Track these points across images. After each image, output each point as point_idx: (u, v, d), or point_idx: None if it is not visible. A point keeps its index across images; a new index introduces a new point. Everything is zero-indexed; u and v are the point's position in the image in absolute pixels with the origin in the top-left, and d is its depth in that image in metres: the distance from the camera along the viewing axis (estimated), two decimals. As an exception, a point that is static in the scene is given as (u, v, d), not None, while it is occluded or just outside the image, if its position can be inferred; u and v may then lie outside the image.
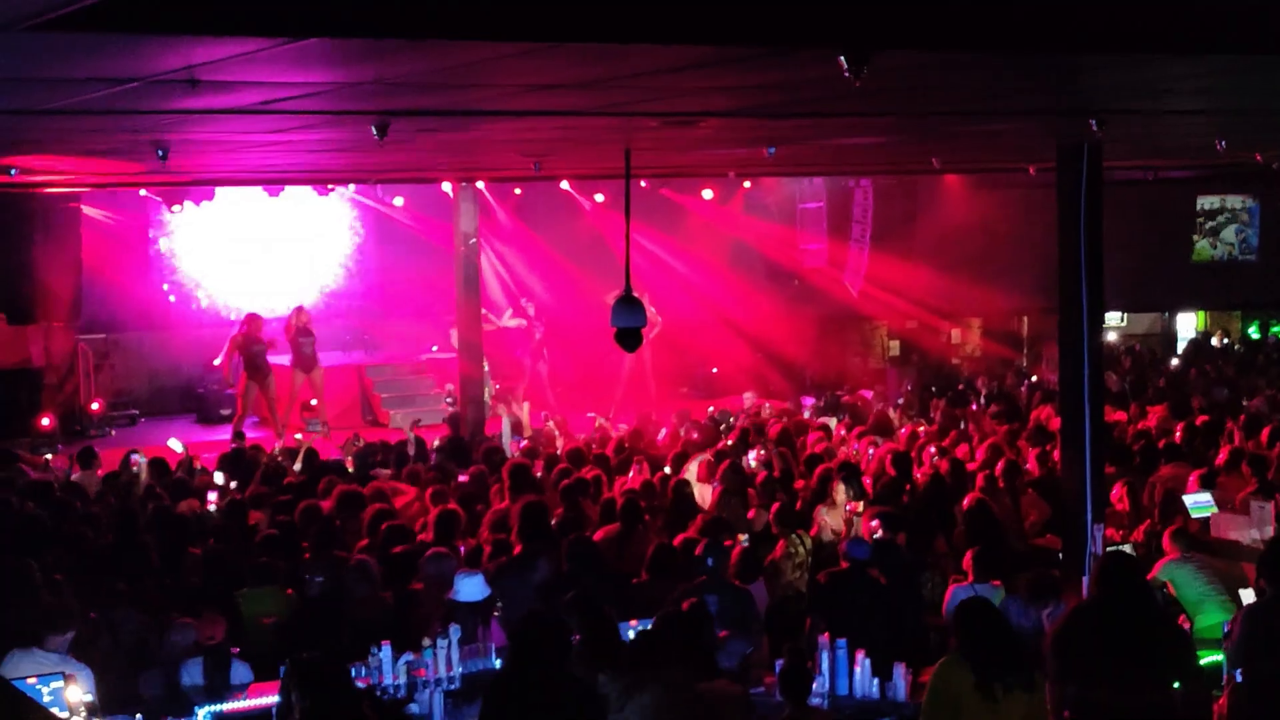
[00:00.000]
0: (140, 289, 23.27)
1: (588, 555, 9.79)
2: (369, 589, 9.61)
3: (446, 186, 18.84)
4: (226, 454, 15.25)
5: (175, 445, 15.80)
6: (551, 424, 17.44)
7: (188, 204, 20.70)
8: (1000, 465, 13.01)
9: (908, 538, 10.69)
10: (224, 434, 18.21)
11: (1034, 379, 21.53)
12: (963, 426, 16.39)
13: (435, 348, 23.65)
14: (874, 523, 10.81)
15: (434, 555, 9.80)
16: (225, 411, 22.50)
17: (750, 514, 11.90)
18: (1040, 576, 9.55)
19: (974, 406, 18.54)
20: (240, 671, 8.43)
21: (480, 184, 19.15)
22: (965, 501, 11.71)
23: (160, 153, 10.34)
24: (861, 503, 11.71)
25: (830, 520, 11.65)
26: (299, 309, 20.75)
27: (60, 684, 7.61)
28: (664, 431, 16.64)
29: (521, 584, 9.49)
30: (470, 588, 8.89)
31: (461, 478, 13.55)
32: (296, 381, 20.34)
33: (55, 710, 7.26)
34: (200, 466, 14.90)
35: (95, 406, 21.27)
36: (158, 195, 20.06)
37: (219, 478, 14.01)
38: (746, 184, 23.21)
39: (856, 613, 9.01)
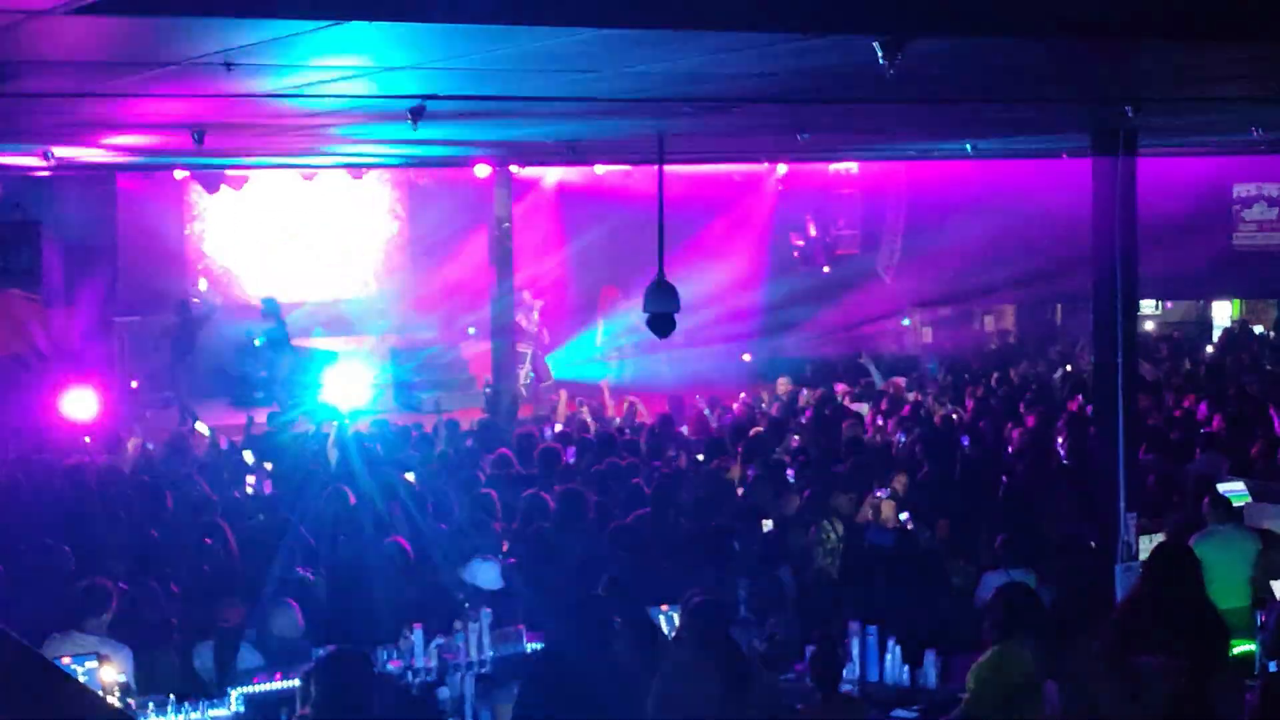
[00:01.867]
0: (175, 272, 23.39)
1: (622, 541, 9.81)
2: (400, 570, 9.64)
3: (481, 173, 18.87)
4: (257, 436, 15.32)
5: (202, 429, 15.87)
6: (585, 410, 17.46)
7: (223, 189, 20.80)
8: (1034, 453, 12.97)
9: (939, 524, 10.67)
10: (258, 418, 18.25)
11: (1068, 367, 21.43)
12: (995, 413, 16.33)
13: (472, 329, 23.71)
14: (904, 514, 10.79)
15: (452, 538, 9.84)
16: (259, 394, 22.62)
17: (781, 499, 11.89)
18: (1072, 565, 9.52)
19: (1006, 393, 18.46)
20: (249, 657, 8.38)
21: (515, 169, 19.19)
22: (999, 488, 11.68)
23: (196, 134, 10.39)
24: (890, 489, 11.69)
25: (864, 508, 11.63)
26: None
27: (95, 664, 7.67)
28: (709, 416, 16.64)
29: (554, 570, 9.53)
30: (486, 574, 8.92)
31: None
32: None
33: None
34: (225, 448, 14.92)
35: (134, 384, 21.37)
36: (193, 179, 20.17)
37: (249, 457, 14.05)
38: (783, 168, 23.13)
39: (891, 601, 9.00)
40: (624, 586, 7.91)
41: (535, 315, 22.72)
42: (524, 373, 21.49)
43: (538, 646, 8.52)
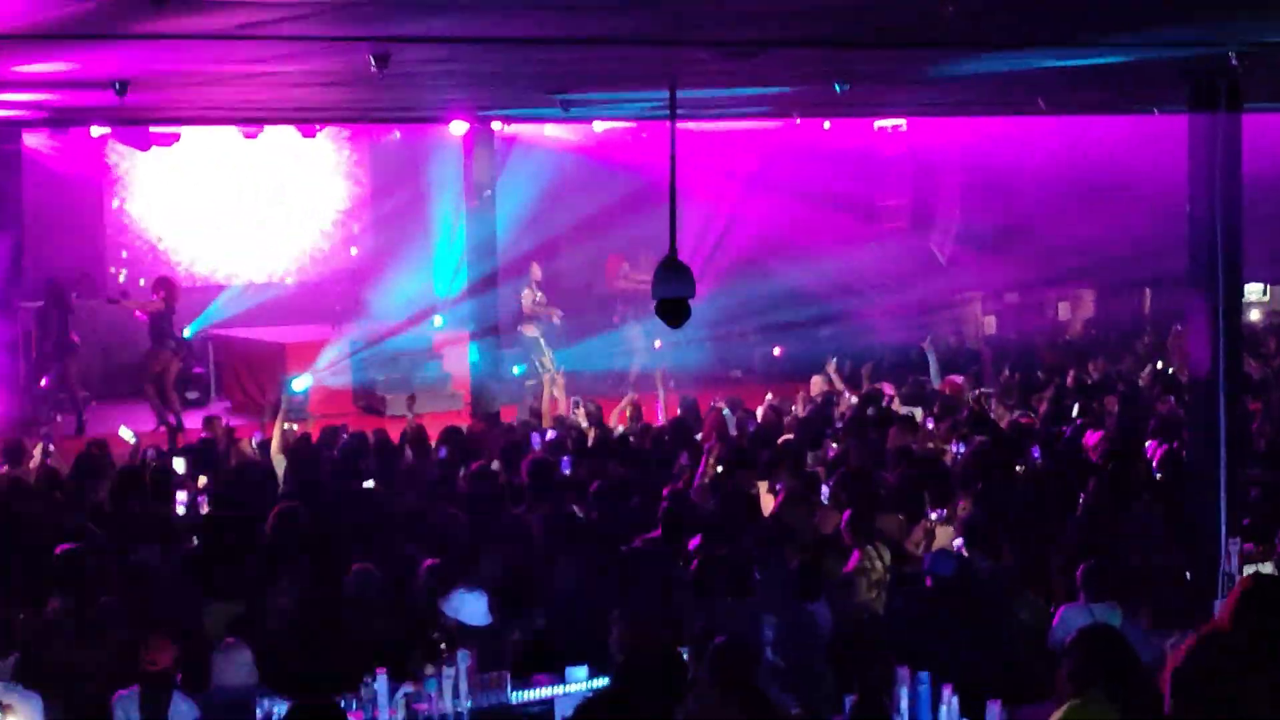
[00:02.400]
0: (91, 249, 23.45)
1: (632, 568, 9.85)
2: (369, 603, 9.67)
3: (456, 129, 18.89)
4: (194, 445, 15.34)
5: (126, 435, 15.88)
6: (581, 411, 17.46)
7: (151, 149, 20.84)
8: (1117, 466, 12.97)
9: (1006, 551, 10.68)
10: (191, 421, 18.31)
11: (1159, 364, 21.43)
12: (1070, 419, 16.34)
13: (440, 319, 23.75)
14: (957, 540, 10.80)
15: (432, 568, 9.87)
16: (192, 395, 22.67)
17: (816, 519, 11.90)
18: (1165, 599, 9.53)
19: (1084, 395, 18.46)
20: (183, 710, 8.37)
21: (497, 126, 19.21)
22: (1076, 508, 11.68)
23: (117, 86, 10.42)
24: (946, 510, 11.69)
25: (913, 531, 11.65)
26: None
27: (-1, 714, 7.70)
28: (729, 419, 16.64)
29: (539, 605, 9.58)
30: (472, 609, 8.94)
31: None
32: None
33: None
34: (153, 458, 14.93)
35: (43, 384, 21.43)
36: (114, 138, 20.19)
37: (179, 464, 14.05)
38: (826, 124, 23.06)
39: (944, 640, 9.01)
40: (638, 621, 7.96)
41: (540, 295, 22.77)
42: (547, 363, 21.58)
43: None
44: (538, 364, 21.77)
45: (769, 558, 9.89)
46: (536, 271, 23.07)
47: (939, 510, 11.67)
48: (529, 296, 22.80)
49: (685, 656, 8.24)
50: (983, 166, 25.53)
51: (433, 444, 15.50)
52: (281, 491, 13.01)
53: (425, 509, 12.14)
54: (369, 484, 13.40)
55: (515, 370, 22.39)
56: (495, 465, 13.81)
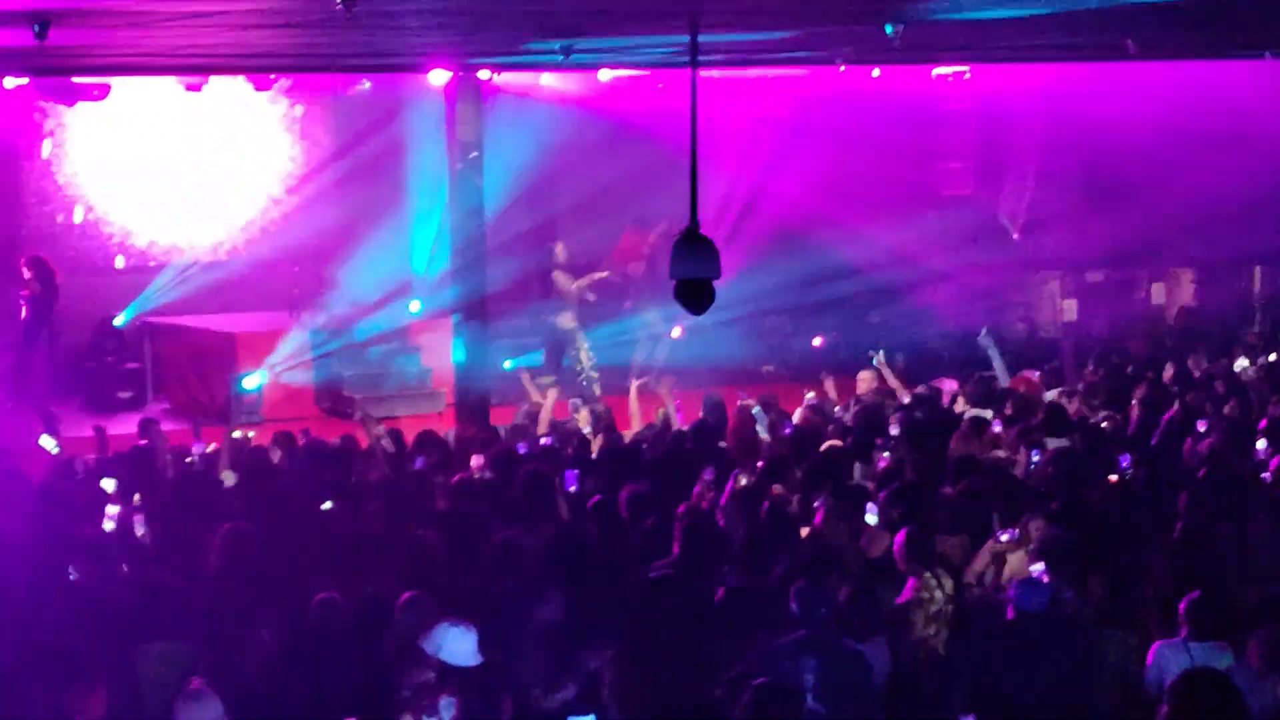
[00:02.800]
0: (6, 220, 23.49)
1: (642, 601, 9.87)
2: (337, 641, 9.67)
3: (438, 80, 18.88)
4: (126, 455, 15.34)
5: (49, 445, 15.91)
6: (583, 414, 17.44)
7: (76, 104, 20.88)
8: (1222, 478, 12.94)
9: (1089, 580, 10.67)
10: (124, 425, 18.31)
11: (1271, 356, 21.40)
12: (1167, 422, 16.31)
13: (417, 304, 23.76)
14: (1036, 566, 10.78)
15: (411, 601, 9.88)
16: (125, 394, 22.71)
17: (863, 542, 11.89)
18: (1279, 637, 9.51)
19: (1183, 393, 18.43)
20: None
21: (484, 75, 19.21)
22: (1173, 527, 11.66)
23: (37, 27, 10.42)
24: (1018, 530, 11.66)
25: (982, 556, 11.63)
26: None
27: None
28: (760, 423, 16.62)
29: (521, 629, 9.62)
30: (458, 646, 8.94)
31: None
32: None
33: None
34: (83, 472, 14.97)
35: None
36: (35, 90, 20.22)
37: (109, 485, 14.07)
38: (876, 72, 22.99)
39: (1018, 684, 9.01)
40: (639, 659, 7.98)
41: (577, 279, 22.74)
42: (585, 356, 21.63)
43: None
44: (575, 362, 21.78)
45: (809, 587, 9.87)
46: (561, 252, 22.99)
47: (1010, 530, 11.63)
48: (565, 281, 22.72)
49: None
50: (1061, 121, 25.47)
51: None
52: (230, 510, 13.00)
53: (398, 530, 12.15)
54: (327, 505, 13.37)
55: (506, 364, 22.39)
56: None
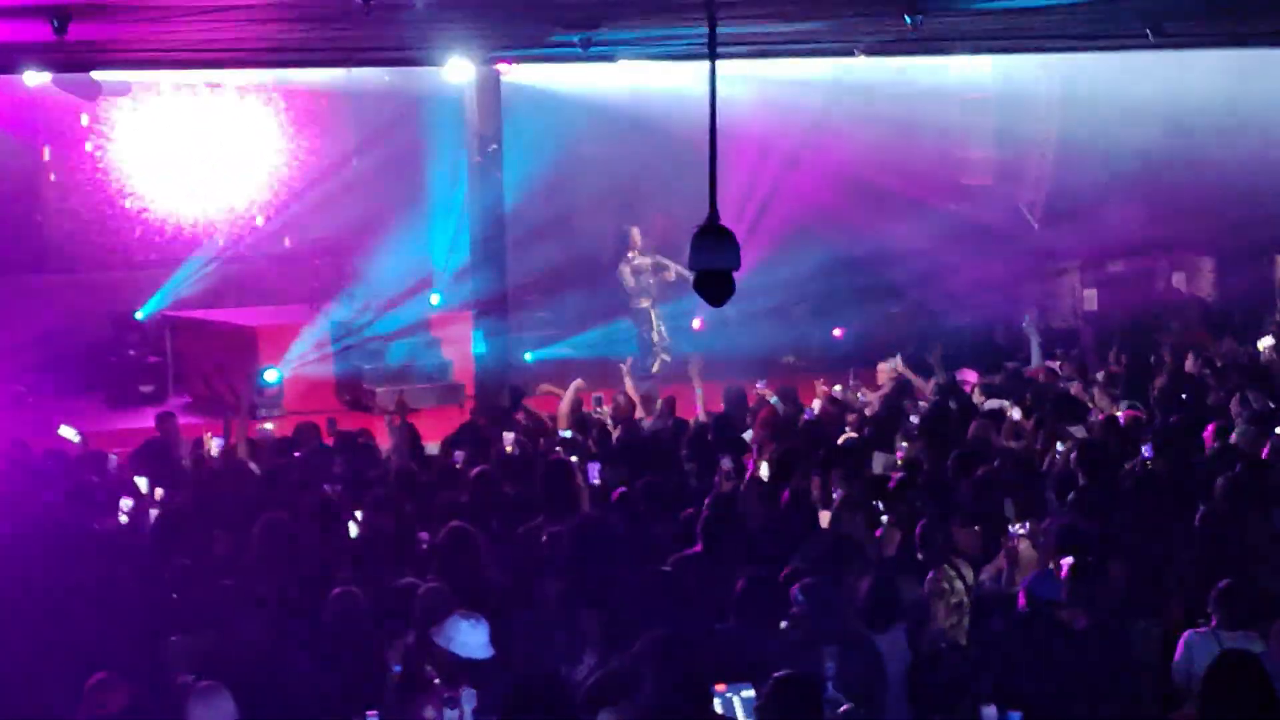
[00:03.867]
0: (24, 215, 23.52)
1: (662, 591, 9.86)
2: (355, 634, 9.67)
3: (455, 74, 18.87)
4: (141, 448, 15.36)
5: (70, 434, 15.94)
6: (605, 408, 17.44)
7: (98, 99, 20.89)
8: (1246, 467, 12.90)
9: (1111, 568, 10.62)
10: (146, 420, 18.32)
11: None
12: (1190, 411, 16.27)
13: (437, 297, 23.77)
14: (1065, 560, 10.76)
15: (434, 591, 9.87)
16: (146, 389, 22.73)
17: (880, 533, 11.88)
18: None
19: (1205, 383, 18.39)
20: None
21: (503, 68, 19.20)
22: (1197, 519, 11.62)
23: (56, 22, 10.42)
24: (1033, 522, 11.62)
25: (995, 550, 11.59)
26: None
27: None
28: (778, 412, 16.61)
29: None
30: (471, 639, 8.93)
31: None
32: None
33: None
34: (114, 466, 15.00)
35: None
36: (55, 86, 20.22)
37: (143, 483, 14.09)
38: (895, 62, 22.87)
39: (1040, 676, 8.98)
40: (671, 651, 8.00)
41: (650, 258, 22.63)
42: (659, 334, 21.63)
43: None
44: (650, 340, 21.74)
45: (815, 583, 9.85)
46: (637, 235, 22.88)
47: (1021, 525, 11.56)
48: (645, 262, 22.63)
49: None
50: (1082, 112, 25.41)
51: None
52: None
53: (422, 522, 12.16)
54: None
55: (526, 356, 22.40)
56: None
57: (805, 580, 9.75)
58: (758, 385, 18.17)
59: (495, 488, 13.17)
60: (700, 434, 15.35)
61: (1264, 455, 14.03)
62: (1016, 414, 16.44)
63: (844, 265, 25.08)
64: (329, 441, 15.60)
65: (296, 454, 15.03)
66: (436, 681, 8.89)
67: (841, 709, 8.60)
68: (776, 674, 7.93)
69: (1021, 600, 9.62)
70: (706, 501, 12.11)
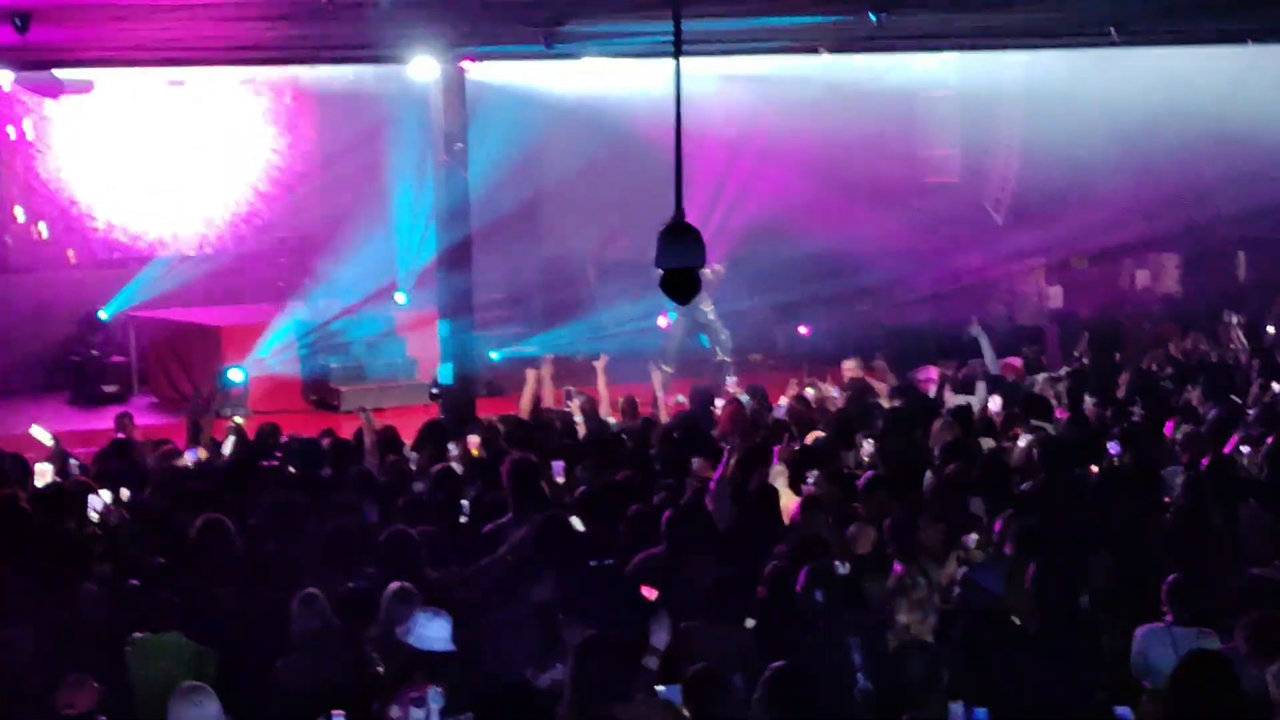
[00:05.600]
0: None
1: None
2: (318, 634, 9.66)
3: (420, 71, 18.84)
4: (106, 450, 15.30)
5: (41, 435, 15.88)
6: (577, 402, 17.42)
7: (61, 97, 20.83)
8: (1211, 463, 12.95)
9: (1063, 561, 10.62)
10: (108, 420, 18.27)
11: (1253, 342, 21.39)
12: (1155, 408, 16.33)
13: (403, 296, 23.74)
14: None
15: (401, 591, 9.86)
16: (110, 388, 22.66)
17: (850, 531, 11.88)
18: (1266, 621, 9.50)
19: (1169, 379, 18.47)
20: None
21: (468, 66, 19.17)
22: (1168, 513, 11.67)
23: (18, 21, 10.39)
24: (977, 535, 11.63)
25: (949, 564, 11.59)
26: None
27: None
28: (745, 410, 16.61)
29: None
30: (432, 633, 8.93)
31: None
32: None
33: None
34: (77, 464, 14.95)
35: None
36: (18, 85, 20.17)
37: (104, 495, 14.00)
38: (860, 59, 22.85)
39: (1000, 670, 9.00)
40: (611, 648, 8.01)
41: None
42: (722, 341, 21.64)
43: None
44: (714, 347, 21.74)
45: (818, 574, 9.89)
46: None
47: (969, 536, 11.57)
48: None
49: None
50: (1046, 109, 25.47)
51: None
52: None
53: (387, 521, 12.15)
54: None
55: (492, 355, 22.39)
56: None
57: (820, 572, 9.80)
58: (728, 383, 18.20)
59: (458, 486, 13.17)
60: (668, 434, 15.35)
61: (1227, 450, 14.10)
62: (995, 404, 16.46)
63: (809, 263, 25.11)
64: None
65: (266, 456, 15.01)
66: (403, 682, 8.88)
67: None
68: (773, 665, 7.99)
69: (959, 576, 9.62)
70: (656, 500, 12.11)
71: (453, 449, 15.05)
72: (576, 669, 8.17)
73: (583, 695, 8.08)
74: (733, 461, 13.54)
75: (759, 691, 7.95)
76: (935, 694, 8.71)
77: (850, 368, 19.36)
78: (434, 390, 19.83)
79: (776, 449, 13.73)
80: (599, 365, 18.14)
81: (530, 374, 17.95)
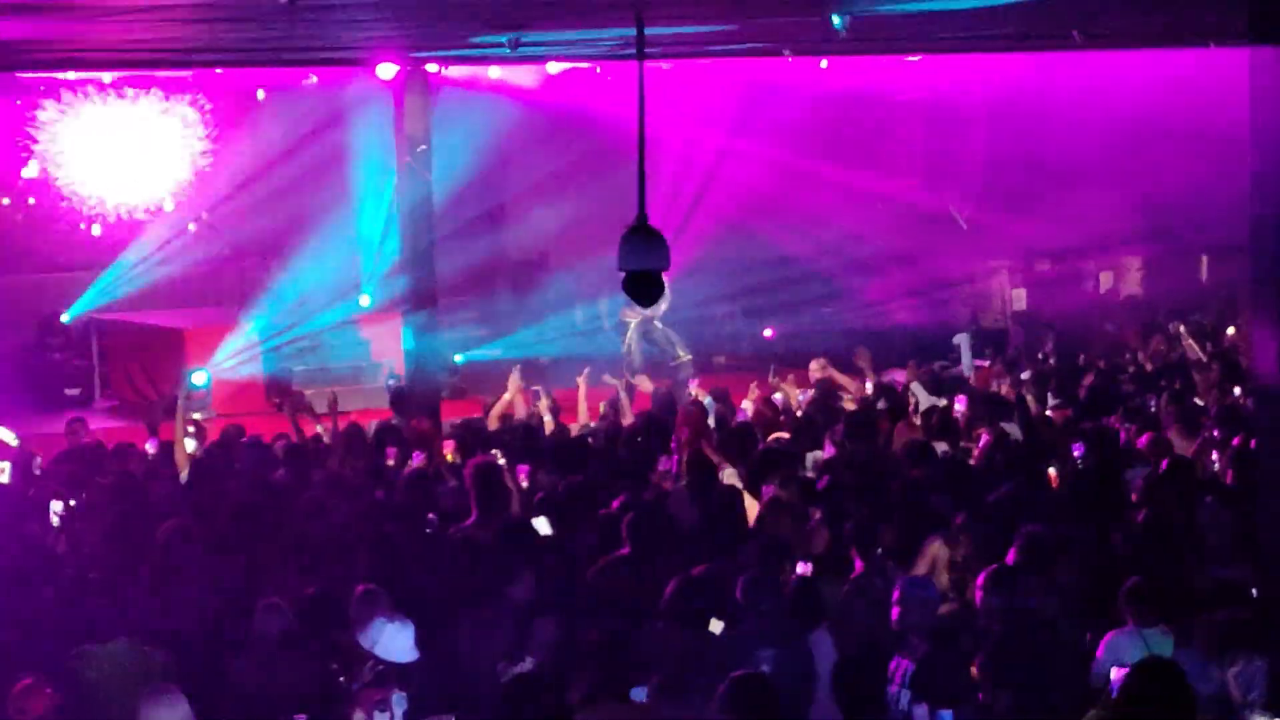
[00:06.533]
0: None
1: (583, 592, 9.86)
2: (284, 642, 9.64)
3: (384, 74, 18.82)
4: (65, 453, 15.28)
5: (7, 436, 15.84)
6: (544, 403, 17.41)
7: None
8: (1175, 465, 13.00)
9: (1030, 565, 10.66)
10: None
11: (1213, 345, 21.48)
12: (1119, 410, 16.39)
13: (366, 298, 23.72)
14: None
15: (365, 594, 9.85)
16: (72, 391, 22.60)
17: (809, 532, 11.90)
18: (1227, 622, 9.54)
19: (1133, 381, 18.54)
20: None
21: (432, 69, 19.15)
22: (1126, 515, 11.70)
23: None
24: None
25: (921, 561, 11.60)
26: None
27: None
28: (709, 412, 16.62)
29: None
30: (395, 642, 8.93)
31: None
32: None
33: None
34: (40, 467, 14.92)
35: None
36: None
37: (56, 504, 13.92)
38: (824, 63, 22.93)
39: (964, 674, 9.03)
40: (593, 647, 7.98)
41: None
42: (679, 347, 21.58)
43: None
44: (670, 349, 21.69)
45: (756, 578, 9.89)
46: None
47: (937, 538, 11.56)
48: None
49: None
50: (1010, 112, 25.53)
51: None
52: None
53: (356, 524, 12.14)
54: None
55: (456, 358, 22.38)
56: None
57: (746, 577, 9.79)
58: (691, 385, 18.21)
59: (430, 488, 13.17)
60: (633, 436, 15.36)
61: (1190, 454, 14.15)
62: (960, 405, 16.50)
63: (774, 267, 25.15)
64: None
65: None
66: (366, 686, 8.88)
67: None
68: (734, 674, 7.99)
69: (896, 594, 9.61)
70: (618, 503, 12.13)
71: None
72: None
73: None
74: (683, 462, 13.61)
75: (719, 698, 7.93)
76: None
77: (817, 369, 19.38)
78: (390, 382, 19.79)
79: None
80: (581, 379, 18.11)
81: (512, 380, 17.97)
